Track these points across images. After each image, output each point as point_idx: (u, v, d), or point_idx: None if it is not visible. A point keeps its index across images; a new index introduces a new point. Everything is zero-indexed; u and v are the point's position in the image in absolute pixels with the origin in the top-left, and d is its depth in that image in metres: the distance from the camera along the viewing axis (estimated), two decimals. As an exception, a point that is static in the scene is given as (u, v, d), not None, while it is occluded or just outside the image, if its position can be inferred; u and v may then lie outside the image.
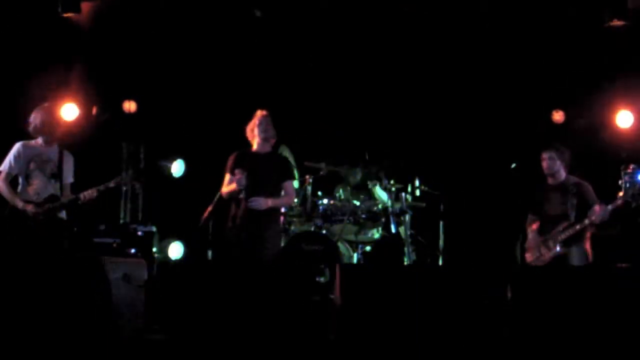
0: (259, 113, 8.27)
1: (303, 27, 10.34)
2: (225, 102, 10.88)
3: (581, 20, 9.75)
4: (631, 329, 6.40)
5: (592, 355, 6.30)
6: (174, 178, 11.04)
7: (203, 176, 10.51)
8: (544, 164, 8.67)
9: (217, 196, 8.28)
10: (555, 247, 8.38)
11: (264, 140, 8.24)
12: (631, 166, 9.04)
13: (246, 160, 8.18)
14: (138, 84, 11.06)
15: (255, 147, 8.28)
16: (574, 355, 6.28)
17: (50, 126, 7.98)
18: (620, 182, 8.66)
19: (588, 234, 8.43)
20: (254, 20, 9.90)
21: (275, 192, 8.20)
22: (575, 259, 8.34)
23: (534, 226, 8.67)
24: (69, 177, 8.11)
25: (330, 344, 6.31)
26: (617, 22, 9.62)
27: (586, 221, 8.25)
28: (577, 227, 8.29)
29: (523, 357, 6.30)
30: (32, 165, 7.89)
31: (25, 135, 8.13)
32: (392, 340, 6.24)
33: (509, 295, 6.55)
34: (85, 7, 9.57)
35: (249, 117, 8.36)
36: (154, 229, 9.65)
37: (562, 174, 8.65)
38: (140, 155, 11.77)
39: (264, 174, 8.13)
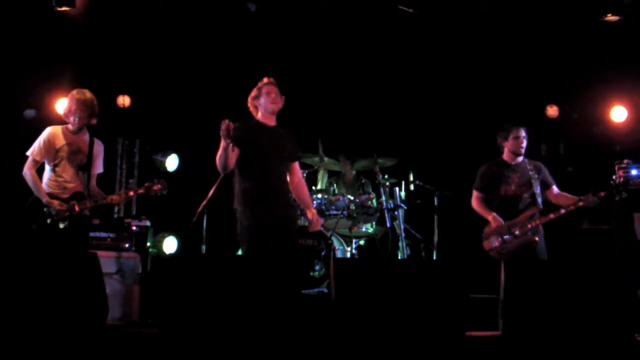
0: (266, 80, 7.48)
1: (298, 22, 10.33)
2: (220, 97, 10.87)
3: (576, 14, 9.75)
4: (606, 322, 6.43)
5: (586, 351, 6.31)
6: (168, 172, 11.05)
7: (197, 171, 10.52)
8: (522, 142, 8.29)
9: (212, 190, 8.29)
10: (526, 234, 8.13)
11: (272, 112, 7.40)
12: (625, 161, 9.08)
13: (255, 132, 7.32)
14: (132, 78, 11.04)
15: (261, 118, 7.44)
16: (566, 349, 6.30)
17: (83, 117, 7.61)
18: (614, 176, 8.69)
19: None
20: (249, 14, 9.88)
21: (285, 172, 7.43)
22: (541, 250, 8.16)
23: (494, 214, 8.28)
24: (98, 168, 7.83)
25: (325, 339, 6.32)
26: (611, 17, 9.63)
27: (562, 210, 8.05)
28: (552, 215, 8.09)
29: (517, 349, 6.31)
30: (61, 154, 7.56)
31: (20, 127, 8.03)
32: (386, 334, 6.25)
33: (502, 288, 6.56)
34: (79, 1, 9.53)
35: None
36: (148, 223, 9.65)
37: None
38: (135, 149, 11.78)
39: (277, 150, 7.34)
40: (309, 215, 7.55)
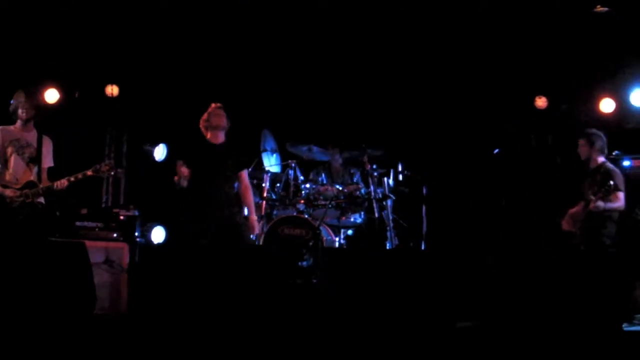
0: (213, 105, 8.40)
1: (287, 13, 10.29)
2: (208, 87, 10.85)
3: (565, 6, 9.75)
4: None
5: (573, 341, 6.33)
6: (156, 162, 11.02)
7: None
8: (579, 149, 8.71)
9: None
10: (578, 230, 8.40)
11: (216, 129, 8.32)
12: (614, 152, 9.12)
13: (201, 150, 8.27)
14: (120, 68, 11.01)
15: (209, 137, 8.36)
16: (554, 339, 6.32)
17: (30, 109, 7.82)
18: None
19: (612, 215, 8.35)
20: (238, 4, 9.85)
21: (230, 182, 8.32)
22: (586, 244, 8.28)
23: (571, 210, 8.64)
24: (47, 162, 7.99)
25: (313, 328, 6.33)
26: (601, 9, 9.63)
27: (591, 205, 8.22)
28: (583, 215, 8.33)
29: (503, 339, 6.33)
30: (10, 150, 7.75)
31: (7, 119, 8.05)
32: (374, 324, 6.26)
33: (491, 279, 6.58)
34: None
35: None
36: (136, 213, 9.63)
37: (597, 160, 8.60)
38: (124, 139, 11.75)
39: (220, 164, 8.27)
40: (250, 219, 8.31)
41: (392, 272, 6.40)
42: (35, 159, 7.84)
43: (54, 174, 8.05)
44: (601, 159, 8.61)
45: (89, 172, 7.97)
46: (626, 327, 7.09)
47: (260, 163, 10.19)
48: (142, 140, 11.20)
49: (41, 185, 7.78)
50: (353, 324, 6.21)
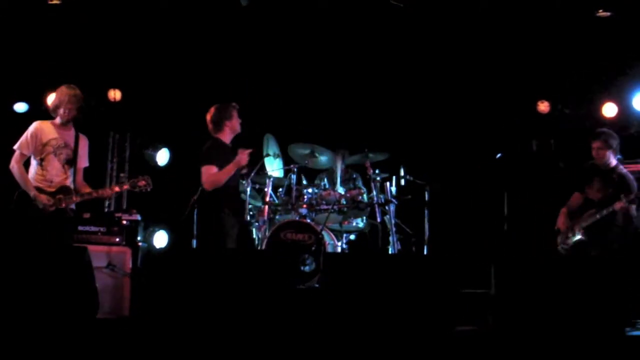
0: (237, 106, 8.44)
1: (289, 16, 10.30)
2: (210, 90, 10.85)
3: (568, 10, 9.75)
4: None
5: (577, 347, 6.32)
6: (159, 167, 11.03)
7: (188, 165, 10.50)
8: (594, 152, 8.39)
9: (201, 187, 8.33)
10: (577, 233, 8.28)
11: (234, 134, 8.47)
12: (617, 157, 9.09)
13: (227, 153, 8.30)
14: (123, 72, 11.02)
15: (225, 137, 8.45)
16: (556, 344, 6.30)
17: (69, 106, 7.69)
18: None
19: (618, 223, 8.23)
20: (240, 8, 9.86)
21: None
22: (595, 249, 8.19)
23: (564, 209, 8.53)
24: (83, 162, 7.93)
25: (315, 333, 6.32)
26: (603, 13, 9.63)
27: (604, 211, 8.09)
28: (597, 216, 8.15)
29: (507, 345, 6.32)
30: (47, 149, 7.62)
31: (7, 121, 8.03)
32: (376, 329, 6.25)
33: (493, 284, 6.57)
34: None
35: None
36: (138, 217, 9.63)
37: (611, 162, 8.37)
38: (126, 144, 11.76)
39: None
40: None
41: (395, 277, 6.40)
42: (71, 161, 7.76)
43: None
44: (615, 161, 8.41)
45: (126, 186, 8.03)
46: (629, 331, 7.07)
47: (263, 168, 10.17)
48: (145, 144, 11.22)
49: (78, 191, 7.72)
50: (356, 328, 6.20)
